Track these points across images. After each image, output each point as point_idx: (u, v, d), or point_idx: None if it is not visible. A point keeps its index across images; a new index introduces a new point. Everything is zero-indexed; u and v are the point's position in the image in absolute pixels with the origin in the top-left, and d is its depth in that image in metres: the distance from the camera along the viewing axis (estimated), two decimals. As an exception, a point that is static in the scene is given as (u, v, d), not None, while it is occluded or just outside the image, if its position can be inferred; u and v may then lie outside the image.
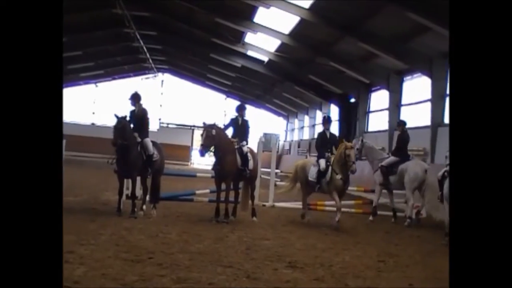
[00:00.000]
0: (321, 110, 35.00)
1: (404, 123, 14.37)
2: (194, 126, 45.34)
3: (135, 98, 11.86)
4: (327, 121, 12.90)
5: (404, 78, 21.62)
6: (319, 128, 38.07)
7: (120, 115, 11.28)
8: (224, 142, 11.50)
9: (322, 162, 11.93)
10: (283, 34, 23.87)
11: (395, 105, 21.66)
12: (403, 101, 21.62)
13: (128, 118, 11.43)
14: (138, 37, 31.13)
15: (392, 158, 13.73)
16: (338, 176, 11.60)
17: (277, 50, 27.09)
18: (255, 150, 13.25)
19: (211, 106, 46.53)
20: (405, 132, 14.07)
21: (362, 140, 14.44)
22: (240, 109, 12.38)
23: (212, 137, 11.21)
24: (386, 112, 22.60)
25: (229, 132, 12.09)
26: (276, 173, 16.79)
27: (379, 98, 24.51)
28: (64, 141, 14.11)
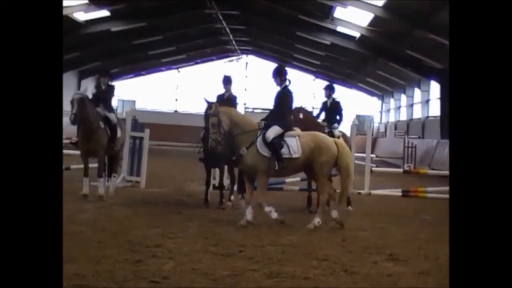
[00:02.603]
0: (419, 87, 34.18)
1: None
2: (281, 110, 45.36)
3: (228, 81, 12.00)
4: None
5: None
6: (418, 108, 37.37)
7: (209, 100, 11.41)
8: (312, 126, 11.42)
9: None
10: (376, 6, 23.41)
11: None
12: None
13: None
14: (221, 17, 31.47)
15: None
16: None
17: (369, 25, 26.61)
18: (348, 134, 13.10)
19: (298, 88, 46.31)
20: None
21: None
22: (328, 90, 12.27)
23: (300, 122, 11.17)
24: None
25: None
26: (371, 158, 16.55)
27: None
28: (147, 130, 14.53)
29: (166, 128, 41.17)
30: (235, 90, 12.26)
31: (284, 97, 9.94)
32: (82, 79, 43.00)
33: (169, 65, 47.28)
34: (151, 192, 13.16)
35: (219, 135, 9.44)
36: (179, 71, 48.90)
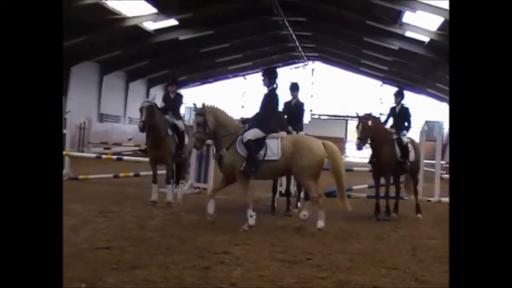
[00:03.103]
0: (491, 93, 33.30)
1: None
2: (347, 116, 45.04)
3: (295, 88, 12.00)
4: None
5: None
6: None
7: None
8: (380, 133, 11.31)
9: None
10: (446, 10, 22.91)
11: None
12: None
13: (282, 110, 11.56)
14: (287, 24, 31.51)
15: None
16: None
17: (439, 29, 26.07)
18: (417, 140, 12.87)
19: (365, 94, 45.99)
20: None
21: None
22: (397, 96, 12.10)
23: (369, 129, 11.08)
24: None
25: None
26: (441, 165, 16.21)
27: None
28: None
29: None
30: (301, 96, 12.24)
31: (269, 99, 9.84)
32: (151, 87, 43.81)
33: (235, 72, 47.64)
34: (217, 198, 13.25)
35: (204, 135, 9.46)
36: (245, 78, 49.19)
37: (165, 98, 12.46)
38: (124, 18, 27.67)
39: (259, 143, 9.31)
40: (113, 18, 27.17)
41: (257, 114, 9.89)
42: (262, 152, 9.28)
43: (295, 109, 11.81)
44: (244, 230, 9.12)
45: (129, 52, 34.19)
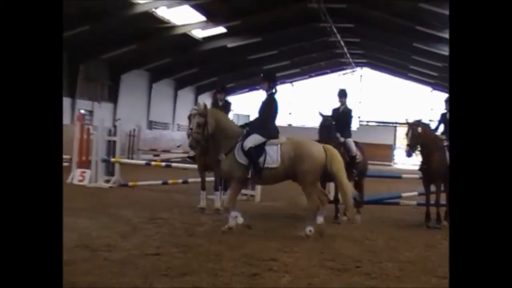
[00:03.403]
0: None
1: None
2: (396, 123, 44.56)
3: (343, 94, 11.94)
4: None
5: None
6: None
7: (324, 113, 11.41)
8: (431, 140, 11.16)
9: None
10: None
11: None
12: None
13: (330, 116, 11.51)
14: (335, 31, 31.40)
15: None
16: None
17: (489, 34, 25.67)
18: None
19: (415, 101, 45.44)
20: None
21: None
22: (448, 102, 11.91)
23: (418, 135, 10.96)
24: None
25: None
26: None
27: None
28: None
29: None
30: (349, 103, 12.17)
31: (268, 104, 9.69)
32: (199, 95, 44.25)
33: (283, 79, 47.61)
34: (265, 205, 13.27)
35: (201, 136, 9.30)
36: (292, 85, 49.18)
37: (214, 106, 12.53)
38: (173, 27, 28.04)
39: (259, 150, 9.18)
40: (162, 27, 27.57)
41: (256, 119, 9.80)
42: (261, 160, 9.16)
43: (343, 115, 11.73)
44: (224, 231, 9.09)
45: (178, 60, 34.60)
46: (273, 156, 9.17)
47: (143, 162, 18.23)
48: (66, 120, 30.07)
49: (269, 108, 9.66)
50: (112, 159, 15.67)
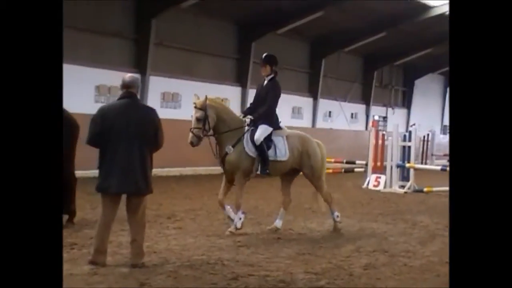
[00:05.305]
0: None
1: None
2: None
3: None
4: None
5: None
6: None
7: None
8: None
9: None
10: None
11: None
12: None
13: None
14: None
15: None
16: None
17: None
18: None
19: None
20: None
21: None
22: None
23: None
24: None
25: None
26: None
27: None
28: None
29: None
30: None
31: (272, 90, 8.80)
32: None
33: None
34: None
35: (202, 131, 8.24)
36: None
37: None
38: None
39: (268, 141, 8.55)
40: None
41: (258, 106, 8.86)
42: (271, 152, 8.55)
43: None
44: (231, 232, 8.32)
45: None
46: (281, 148, 8.68)
47: (438, 167, 17.77)
48: (360, 126, 30.89)
49: (274, 94, 8.84)
50: (407, 165, 15.63)
